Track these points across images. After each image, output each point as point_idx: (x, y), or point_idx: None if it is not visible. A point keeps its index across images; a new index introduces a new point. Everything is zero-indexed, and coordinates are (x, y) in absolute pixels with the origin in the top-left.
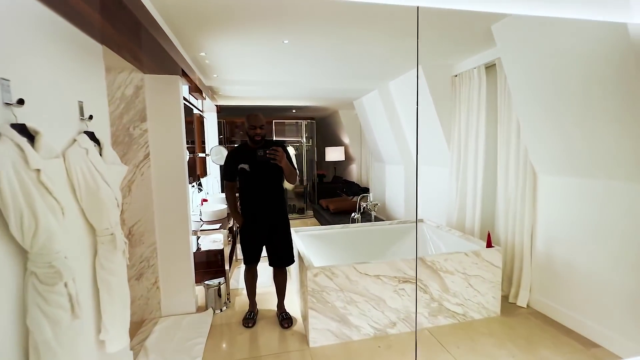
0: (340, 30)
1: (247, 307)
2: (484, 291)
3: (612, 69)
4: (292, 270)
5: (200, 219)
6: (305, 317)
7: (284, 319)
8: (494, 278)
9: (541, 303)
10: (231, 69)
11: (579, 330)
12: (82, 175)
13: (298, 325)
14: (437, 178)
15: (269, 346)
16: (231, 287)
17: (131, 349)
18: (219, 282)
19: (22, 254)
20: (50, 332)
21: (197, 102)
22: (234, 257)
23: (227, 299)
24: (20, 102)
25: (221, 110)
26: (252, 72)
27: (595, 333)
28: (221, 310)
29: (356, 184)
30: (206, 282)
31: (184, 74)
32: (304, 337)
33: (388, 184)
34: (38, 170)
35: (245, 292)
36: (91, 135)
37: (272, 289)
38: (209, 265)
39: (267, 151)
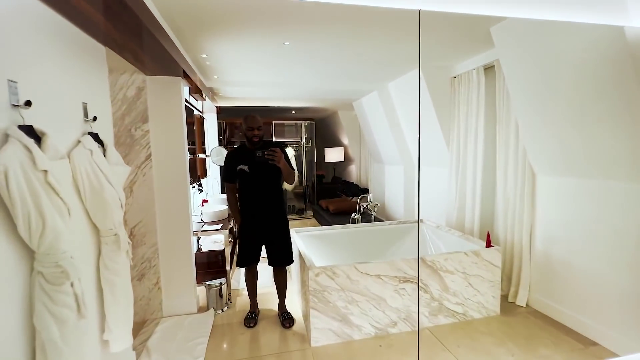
0: (340, 32)
1: (248, 307)
2: (483, 290)
3: (608, 71)
4: (293, 270)
5: (201, 220)
6: (306, 317)
7: (285, 319)
8: (494, 277)
9: (540, 302)
10: (232, 70)
11: (578, 328)
12: (86, 176)
13: (299, 325)
14: (437, 178)
15: (270, 346)
16: (232, 287)
17: (133, 349)
18: (220, 283)
19: (29, 254)
20: (57, 331)
21: (197, 103)
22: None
23: (229, 299)
24: (28, 103)
25: (221, 111)
26: (252, 73)
27: (593, 331)
28: (222, 311)
29: (355, 184)
30: (207, 283)
31: (185, 76)
32: (305, 337)
33: (387, 184)
34: (45, 171)
35: (246, 292)
36: (95, 137)
37: (273, 289)
38: (210, 266)
39: (266, 152)
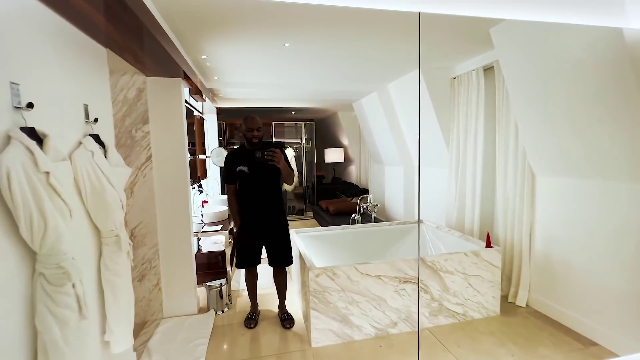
0: (340, 33)
1: (248, 308)
2: (483, 291)
3: (607, 72)
4: (294, 271)
5: (202, 221)
6: (307, 318)
7: (286, 319)
8: (494, 278)
9: (540, 302)
10: (232, 71)
11: (578, 328)
12: (88, 177)
13: (299, 326)
14: (437, 179)
15: (271, 346)
16: (232, 288)
17: (134, 350)
18: (221, 284)
19: (31, 255)
20: (59, 332)
21: (197, 104)
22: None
23: (229, 300)
24: (30, 105)
25: (221, 112)
26: (252, 74)
27: (593, 331)
28: (223, 311)
29: (355, 185)
30: (208, 284)
31: (186, 77)
32: (305, 338)
33: (387, 185)
34: (47, 173)
35: (246, 293)
36: (96, 138)
37: (273, 289)
38: (211, 267)
39: (265, 153)
